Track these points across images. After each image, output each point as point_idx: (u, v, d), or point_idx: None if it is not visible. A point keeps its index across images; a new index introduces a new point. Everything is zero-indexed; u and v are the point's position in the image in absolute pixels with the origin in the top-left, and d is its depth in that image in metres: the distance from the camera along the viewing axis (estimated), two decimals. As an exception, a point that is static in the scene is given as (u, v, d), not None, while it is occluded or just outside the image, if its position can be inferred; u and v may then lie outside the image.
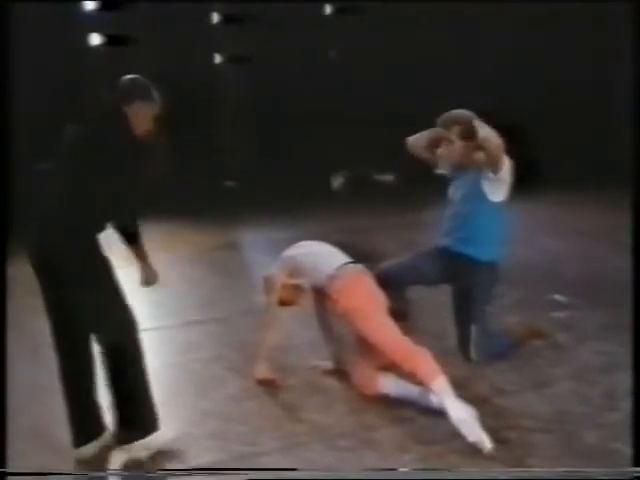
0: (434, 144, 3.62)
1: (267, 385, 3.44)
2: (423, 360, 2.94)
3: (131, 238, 2.92)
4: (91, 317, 2.75)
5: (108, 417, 2.89)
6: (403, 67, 9.20)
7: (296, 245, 3.55)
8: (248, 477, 2.67)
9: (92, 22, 8.51)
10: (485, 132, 3.31)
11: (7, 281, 2.82)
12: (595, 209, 7.85)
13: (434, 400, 3.00)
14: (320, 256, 3.41)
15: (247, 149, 9.58)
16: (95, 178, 2.75)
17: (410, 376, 3.02)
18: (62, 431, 2.87)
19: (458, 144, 3.53)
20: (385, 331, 3.06)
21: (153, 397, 2.89)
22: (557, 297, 4.64)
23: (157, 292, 5.32)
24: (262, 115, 9.21)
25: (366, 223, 7.45)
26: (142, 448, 2.83)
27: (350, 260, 3.37)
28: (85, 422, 2.86)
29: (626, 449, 2.68)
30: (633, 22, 3.50)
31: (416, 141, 3.75)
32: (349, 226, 7.10)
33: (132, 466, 2.77)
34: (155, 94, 2.98)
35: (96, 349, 2.84)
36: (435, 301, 4.06)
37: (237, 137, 9.66)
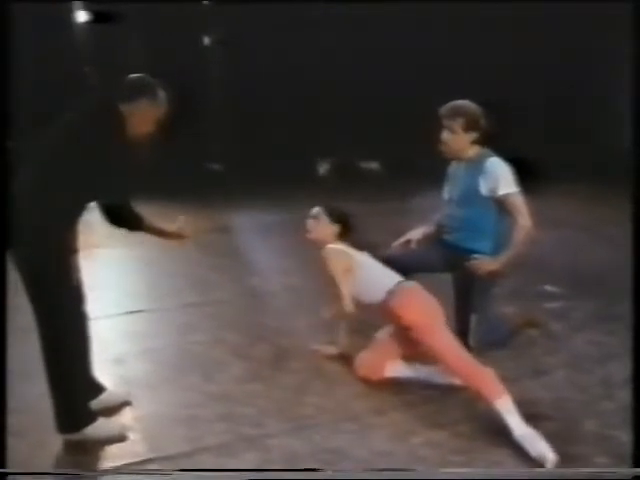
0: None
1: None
2: (488, 379, 2.96)
3: (128, 219, 2.89)
4: None
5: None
6: (393, 55, 9.22)
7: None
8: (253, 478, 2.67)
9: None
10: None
11: (7, 285, 2.72)
12: (580, 202, 8.02)
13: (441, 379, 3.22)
14: (375, 269, 3.40)
15: (234, 132, 9.54)
16: (77, 163, 2.65)
17: (475, 394, 3.02)
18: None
19: (461, 135, 3.58)
20: (452, 349, 3.08)
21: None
22: (548, 288, 4.75)
23: (153, 274, 5.35)
24: (250, 99, 9.17)
25: (352, 210, 7.46)
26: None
27: (403, 279, 3.37)
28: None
29: (623, 436, 2.78)
30: (633, 22, 3.55)
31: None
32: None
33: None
34: (161, 95, 2.83)
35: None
36: (434, 288, 4.13)
37: (224, 120, 9.61)
